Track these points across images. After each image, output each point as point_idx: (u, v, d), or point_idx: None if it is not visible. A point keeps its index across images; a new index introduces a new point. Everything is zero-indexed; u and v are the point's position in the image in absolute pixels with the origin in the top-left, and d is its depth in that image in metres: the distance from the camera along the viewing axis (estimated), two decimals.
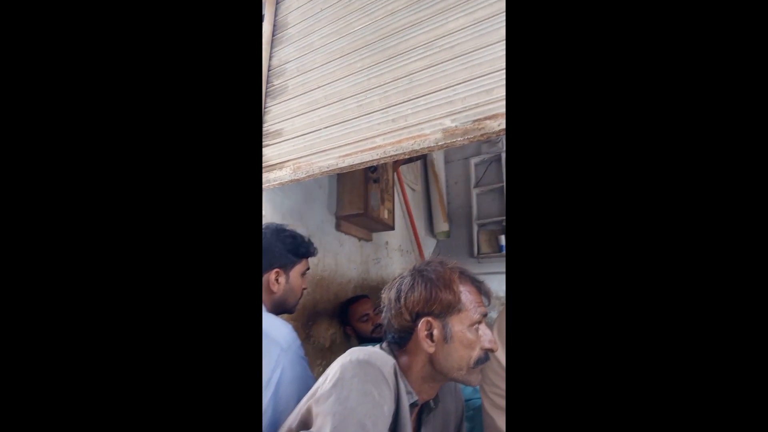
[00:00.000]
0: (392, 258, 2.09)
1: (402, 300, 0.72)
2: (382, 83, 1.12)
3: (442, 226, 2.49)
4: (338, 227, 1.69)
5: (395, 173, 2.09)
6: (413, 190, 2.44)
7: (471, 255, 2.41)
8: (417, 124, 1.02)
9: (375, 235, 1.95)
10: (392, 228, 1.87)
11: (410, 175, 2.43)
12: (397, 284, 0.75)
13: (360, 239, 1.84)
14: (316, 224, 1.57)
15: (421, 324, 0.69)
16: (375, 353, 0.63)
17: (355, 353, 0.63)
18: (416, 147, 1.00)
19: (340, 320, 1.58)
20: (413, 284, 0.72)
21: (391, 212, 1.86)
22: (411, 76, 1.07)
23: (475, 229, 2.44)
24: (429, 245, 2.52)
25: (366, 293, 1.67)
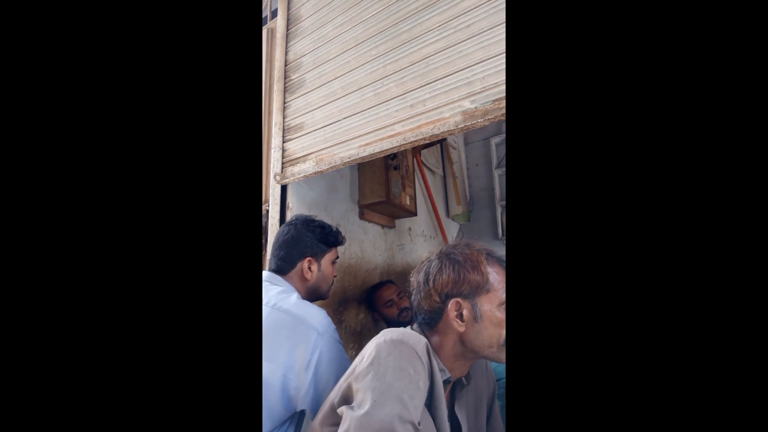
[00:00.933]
0: (416, 243, 2.11)
1: (431, 282, 0.74)
2: (399, 69, 1.11)
3: (456, 209, 2.47)
4: (362, 216, 1.72)
5: (415, 159, 2.08)
6: (433, 173, 2.42)
7: (496, 237, 2.39)
8: (436, 108, 1.02)
9: (398, 222, 1.97)
10: (414, 214, 1.88)
11: (432, 158, 2.41)
12: (425, 267, 0.77)
13: (383, 226, 1.86)
14: (340, 214, 1.60)
15: (451, 305, 0.71)
16: (407, 333, 0.66)
17: (388, 334, 0.66)
18: (436, 131, 1.00)
19: (367, 307, 1.62)
20: (441, 267, 0.74)
21: (413, 198, 1.86)
22: (427, 59, 1.06)
23: (499, 210, 2.41)
24: (452, 229, 2.51)
25: (391, 278, 1.70)
